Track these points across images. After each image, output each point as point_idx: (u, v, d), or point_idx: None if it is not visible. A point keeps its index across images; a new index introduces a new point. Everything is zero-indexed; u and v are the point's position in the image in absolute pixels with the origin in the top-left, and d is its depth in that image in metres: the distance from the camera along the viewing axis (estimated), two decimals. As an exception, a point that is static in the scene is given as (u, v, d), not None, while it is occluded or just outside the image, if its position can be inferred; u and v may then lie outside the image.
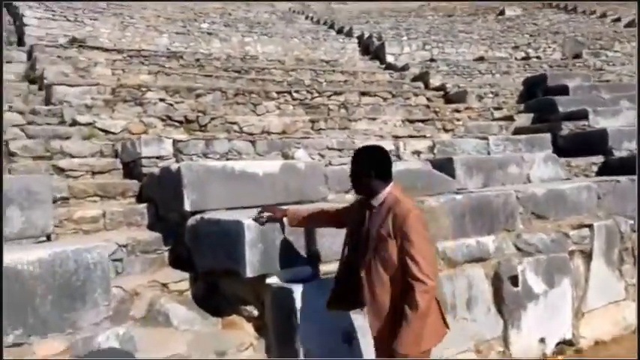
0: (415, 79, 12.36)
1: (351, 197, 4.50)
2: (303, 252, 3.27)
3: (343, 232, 2.79)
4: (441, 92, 11.44)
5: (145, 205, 4.01)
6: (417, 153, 5.91)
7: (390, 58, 14.30)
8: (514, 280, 4.07)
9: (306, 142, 5.21)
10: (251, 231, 2.99)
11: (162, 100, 7.36)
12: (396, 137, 6.15)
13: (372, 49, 15.09)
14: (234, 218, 3.09)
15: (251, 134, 5.57)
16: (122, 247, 3.47)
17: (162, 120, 6.42)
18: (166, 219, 3.90)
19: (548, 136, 7.29)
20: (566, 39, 15.38)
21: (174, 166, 3.58)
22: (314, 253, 3.28)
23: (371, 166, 2.50)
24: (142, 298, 3.23)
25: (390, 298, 2.41)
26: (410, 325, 2.26)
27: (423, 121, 8.59)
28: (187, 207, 3.50)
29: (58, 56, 8.80)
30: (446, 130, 8.70)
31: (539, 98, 9.86)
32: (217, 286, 3.42)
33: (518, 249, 4.23)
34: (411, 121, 8.40)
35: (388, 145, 5.71)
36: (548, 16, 19.97)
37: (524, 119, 9.47)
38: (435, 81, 12.24)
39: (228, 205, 3.68)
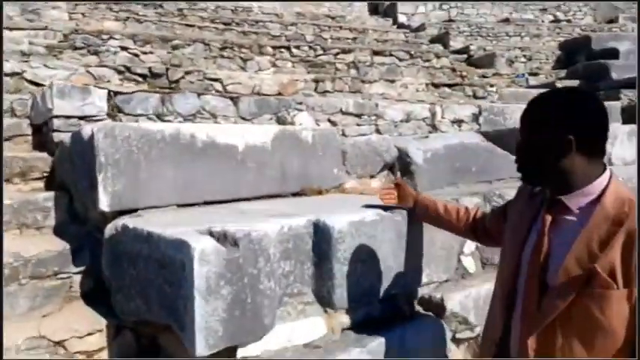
0: (433, 40, 10.75)
1: (377, 184, 2.99)
2: (309, 291, 1.79)
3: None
4: (464, 55, 9.87)
5: (51, 194, 2.48)
6: (459, 122, 4.38)
7: (402, 19, 12.63)
8: None
9: (310, 103, 3.67)
10: (207, 264, 1.49)
11: (125, 48, 5.75)
12: (433, 103, 4.61)
13: (381, 9, 13.37)
14: (176, 236, 1.58)
15: (236, 95, 3.99)
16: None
17: (120, 72, 4.84)
18: (84, 218, 2.40)
19: (617, 104, 5.75)
20: (599, 2, 13.66)
21: (86, 130, 2.05)
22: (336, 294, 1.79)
23: (570, 128, 1.21)
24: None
25: None
26: None
27: (449, 85, 7.04)
28: (103, 204, 1.98)
29: (5, -4, 7.12)
30: (476, 98, 7.16)
31: (587, 62, 8.28)
32: (157, 343, 1.94)
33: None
34: (436, 86, 6.85)
35: (422, 110, 4.17)
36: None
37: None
38: (457, 43, 10.66)
39: (182, 199, 2.19)
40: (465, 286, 2.27)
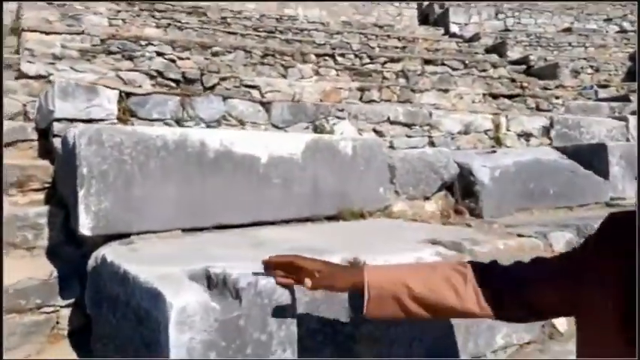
0: (488, 50, 10.08)
1: (432, 208, 2.45)
2: None
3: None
4: (523, 66, 9.15)
5: (44, 209, 2.10)
6: (527, 136, 3.77)
7: (454, 28, 12.01)
8: None
9: (353, 110, 3.19)
10: (189, 329, 1.01)
11: (161, 54, 5.48)
12: (494, 113, 4.02)
13: (432, 18, 12.79)
14: (152, 283, 1.11)
15: (267, 100, 3.56)
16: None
17: (152, 77, 4.53)
18: (81, 238, 1.99)
19: None
20: (674, 9, 12.54)
21: (70, 135, 1.64)
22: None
23: None
24: None
25: None
26: None
27: (509, 97, 6.39)
28: (84, 226, 1.56)
29: (49, 2, 7.08)
30: (539, 110, 6.47)
31: (668, 73, 7.39)
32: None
33: None
34: (494, 96, 6.22)
35: (483, 120, 3.60)
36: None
37: (644, 101, 7.08)
38: (514, 53, 9.94)
39: (188, 222, 1.74)
40: (556, 354, 1.69)
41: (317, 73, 5.90)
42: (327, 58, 6.64)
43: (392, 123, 3.26)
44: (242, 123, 2.79)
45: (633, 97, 7.21)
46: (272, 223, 1.94)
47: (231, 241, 1.64)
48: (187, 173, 1.74)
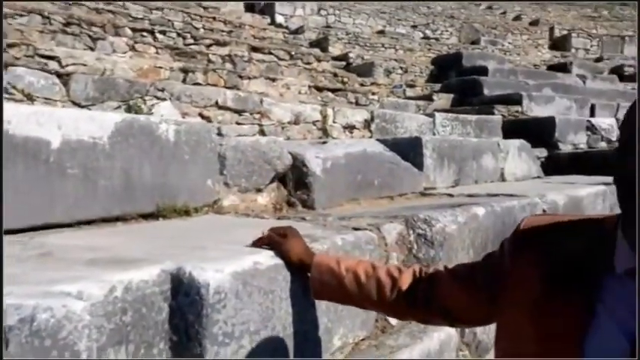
0: (312, 44, 10.37)
1: (264, 200, 2.27)
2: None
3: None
4: (343, 62, 9.62)
5: None
6: (351, 128, 3.85)
7: (280, 19, 12.13)
8: None
9: (176, 90, 2.82)
10: None
11: None
12: (321, 104, 4.01)
13: (258, 7, 12.69)
14: None
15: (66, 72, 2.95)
16: None
17: None
18: None
19: (499, 118, 5.76)
20: (463, 24, 14.58)
21: None
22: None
23: None
24: None
25: None
26: None
27: (332, 90, 6.60)
28: None
29: None
30: (358, 104, 6.83)
31: (463, 78, 8.48)
32: None
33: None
34: (319, 89, 6.36)
35: (312, 111, 3.55)
36: (440, 3, 19.35)
37: (443, 100, 8.01)
38: (335, 49, 10.42)
39: None
40: (391, 349, 1.64)
41: (133, 48, 5.27)
42: (145, 34, 6.01)
43: (220, 108, 2.99)
44: (31, 98, 2.21)
45: (435, 97, 8.09)
46: (69, 225, 1.53)
47: (7, 254, 1.21)
48: None
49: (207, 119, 2.86)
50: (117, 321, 1.02)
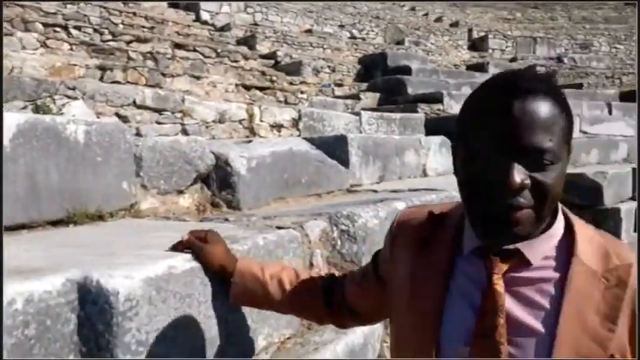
0: (239, 42, 10.24)
1: (187, 203, 2.22)
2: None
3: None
4: (271, 60, 9.57)
5: None
6: (278, 127, 3.85)
7: (205, 16, 11.83)
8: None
9: (89, 89, 2.67)
10: None
11: None
12: (248, 103, 3.97)
13: (182, 3, 12.33)
14: None
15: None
16: None
17: None
18: None
19: (421, 116, 5.97)
20: (389, 25, 14.99)
21: None
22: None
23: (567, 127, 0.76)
24: None
25: None
26: None
27: (261, 89, 6.57)
28: None
29: None
30: (287, 103, 6.83)
31: (388, 77, 8.72)
32: None
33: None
34: (247, 87, 6.31)
35: (238, 110, 3.51)
36: (366, 4, 19.78)
37: (370, 99, 8.19)
38: (263, 48, 10.34)
39: None
40: (316, 345, 1.66)
41: (44, 45, 4.95)
42: (58, 29, 5.66)
43: (139, 107, 2.87)
44: None
45: (363, 96, 8.26)
46: (-35, 235, 1.41)
47: None
48: None
49: (124, 119, 2.74)
50: (19, 335, 0.96)
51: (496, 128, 0.71)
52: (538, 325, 0.73)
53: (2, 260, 1.10)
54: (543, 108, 0.71)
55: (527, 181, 0.70)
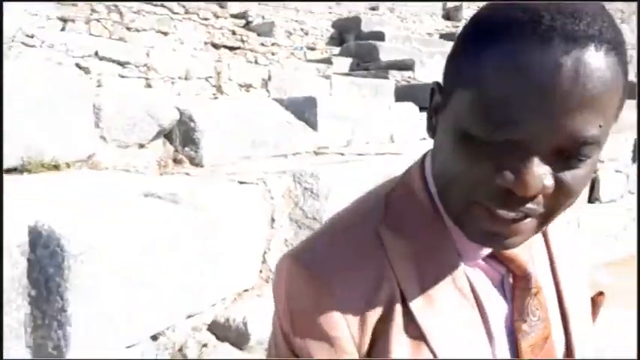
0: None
1: (148, 157, 2.18)
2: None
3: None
4: (243, 20, 9.34)
5: None
6: (247, 87, 3.78)
7: (175, -29, 11.39)
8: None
9: (48, 38, 2.56)
10: None
11: None
12: (216, 61, 3.86)
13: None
14: None
15: None
16: None
17: None
18: None
19: (392, 83, 5.97)
20: (364, -11, 14.72)
21: None
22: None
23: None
24: None
25: None
26: None
27: (231, 48, 6.42)
28: None
29: None
30: (258, 64, 6.71)
31: (360, 42, 8.65)
32: None
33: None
34: (216, 46, 6.16)
35: (205, 67, 3.43)
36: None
37: (342, 64, 8.12)
38: (234, 6, 10.04)
39: None
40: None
41: (1, -9, 4.67)
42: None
43: (101, 59, 2.77)
44: None
45: (335, 60, 8.18)
46: None
47: None
48: None
49: (86, 70, 2.64)
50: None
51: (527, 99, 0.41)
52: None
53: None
54: (606, 72, 0.42)
55: (550, 184, 0.45)
